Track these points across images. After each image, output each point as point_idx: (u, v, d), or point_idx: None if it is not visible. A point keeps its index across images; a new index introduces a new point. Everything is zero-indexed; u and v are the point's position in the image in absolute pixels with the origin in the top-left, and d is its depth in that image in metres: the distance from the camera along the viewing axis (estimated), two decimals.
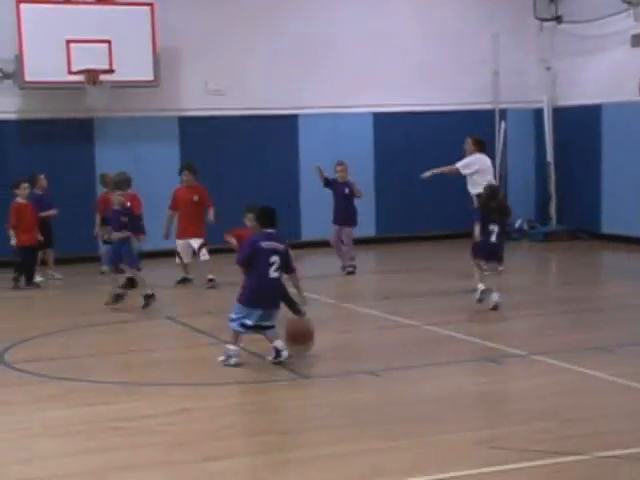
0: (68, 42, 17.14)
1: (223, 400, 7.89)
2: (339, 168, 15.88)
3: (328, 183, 15.81)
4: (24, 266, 14.66)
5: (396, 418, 7.21)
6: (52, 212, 15.69)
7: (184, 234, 14.74)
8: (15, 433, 7.13)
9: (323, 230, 18.53)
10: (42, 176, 15.97)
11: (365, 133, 19.53)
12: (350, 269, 15.44)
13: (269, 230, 9.28)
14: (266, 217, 9.37)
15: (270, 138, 18.90)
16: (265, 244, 9.13)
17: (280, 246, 9.24)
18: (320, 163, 15.83)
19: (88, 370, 9.08)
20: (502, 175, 19.66)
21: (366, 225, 18.81)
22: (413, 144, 18.86)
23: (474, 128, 19.28)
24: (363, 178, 18.62)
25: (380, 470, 6.13)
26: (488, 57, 20.01)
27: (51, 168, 16.91)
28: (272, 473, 6.17)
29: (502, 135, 19.95)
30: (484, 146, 15.46)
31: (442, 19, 19.90)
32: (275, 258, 9.13)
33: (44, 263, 15.69)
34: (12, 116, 17.61)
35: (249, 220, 9.92)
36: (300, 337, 9.26)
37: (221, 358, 9.07)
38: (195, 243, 14.57)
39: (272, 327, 9.18)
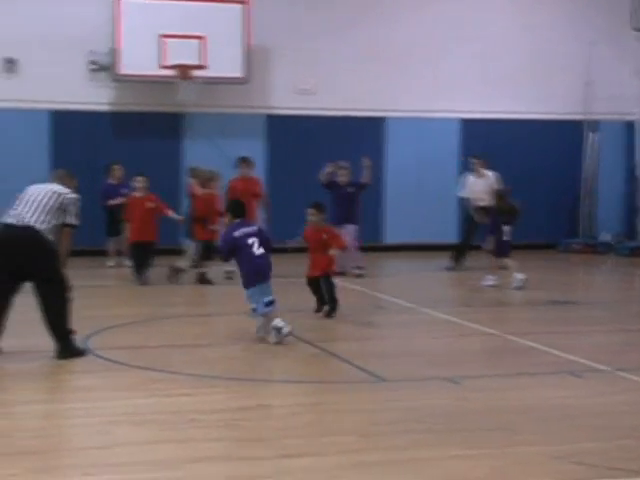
0: (162, 37, 17.33)
1: (301, 398, 7.86)
2: (343, 172, 15.48)
3: (330, 184, 15.45)
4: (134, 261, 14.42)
5: (474, 426, 7.10)
6: (117, 201, 15.65)
7: None
8: (95, 419, 7.19)
9: (406, 234, 18.52)
10: (117, 166, 16.14)
11: (451, 139, 19.37)
12: (357, 272, 15.25)
13: (238, 220, 10.17)
14: (235, 209, 10.35)
15: (356, 140, 18.86)
16: (236, 233, 10.01)
17: (250, 229, 10.14)
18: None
19: (168, 361, 9.13)
20: (591, 188, 19.37)
21: (448, 231, 18.67)
22: (499, 152, 18.65)
23: (562, 138, 19.09)
24: (446, 183, 18.52)
25: (456, 478, 6.04)
26: (581, 66, 19.67)
27: (140, 160, 17.12)
28: (348, 474, 6.12)
29: (592, 147, 19.61)
30: None
31: (536, 26, 19.68)
32: (252, 239, 9.96)
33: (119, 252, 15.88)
34: (105, 108, 17.89)
35: (312, 215, 11.39)
36: None
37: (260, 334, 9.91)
38: None
39: (273, 302, 9.93)
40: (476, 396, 8.00)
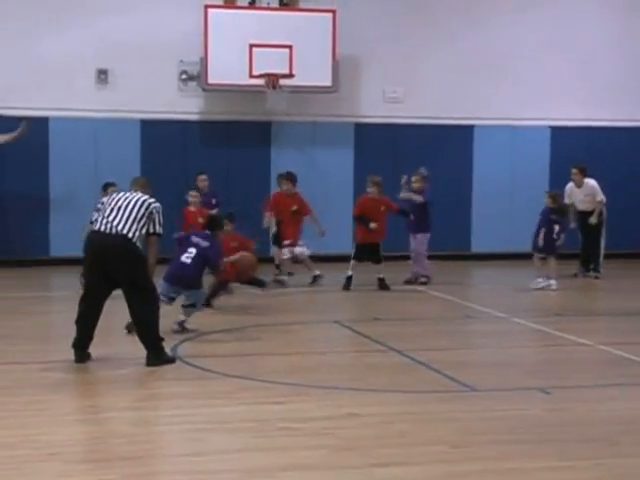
0: (251, 46, 17.48)
1: (391, 407, 7.84)
2: (414, 178, 15.53)
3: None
4: None
5: (568, 437, 7.00)
6: (213, 212, 15.58)
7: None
8: (187, 426, 7.26)
9: (494, 243, 18.36)
10: (202, 177, 16.22)
11: (542, 147, 19.15)
12: (423, 279, 15.36)
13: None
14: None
15: (445, 148, 18.79)
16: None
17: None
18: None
19: (258, 369, 9.18)
20: None
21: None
22: (593, 161, 18.39)
23: None
24: (536, 193, 18.28)
25: None
26: None
27: (229, 168, 17.30)
28: None
29: None
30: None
31: (633, 32, 19.31)
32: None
33: None
34: (195, 117, 18.10)
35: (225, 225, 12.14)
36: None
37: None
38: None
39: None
40: (569, 406, 7.89)
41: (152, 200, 9.42)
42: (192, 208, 15.06)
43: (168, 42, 17.76)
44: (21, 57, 17.47)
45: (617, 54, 19.32)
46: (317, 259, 15.83)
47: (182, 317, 10.96)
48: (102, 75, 17.88)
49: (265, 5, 18.09)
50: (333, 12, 17.73)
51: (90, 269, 9.31)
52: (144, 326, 9.21)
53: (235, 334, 11.04)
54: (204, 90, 17.84)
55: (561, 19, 19.09)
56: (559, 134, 19.12)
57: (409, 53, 18.62)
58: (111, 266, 9.11)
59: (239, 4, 18.12)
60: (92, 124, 17.65)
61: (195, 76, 17.97)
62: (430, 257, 16.35)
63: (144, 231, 9.26)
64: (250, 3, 18.10)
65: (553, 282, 15.06)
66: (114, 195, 9.57)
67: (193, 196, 15.13)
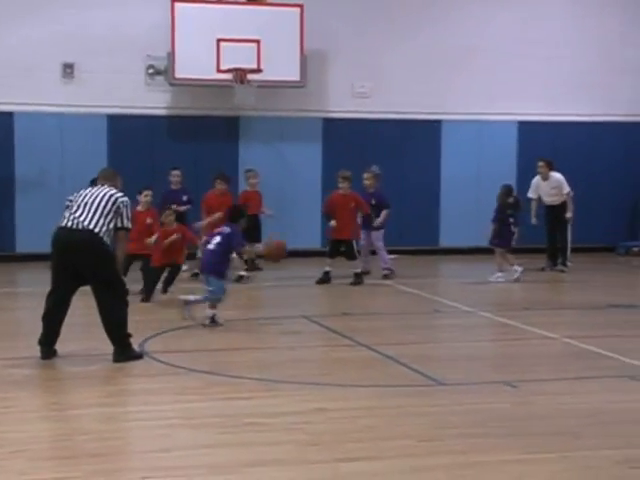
0: (218, 41, 17.44)
1: (358, 402, 7.85)
2: (366, 175, 15.62)
3: None
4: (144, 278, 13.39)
5: (533, 431, 7.05)
6: (183, 208, 15.58)
7: None
8: (154, 422, 7.24)
9: (462, 238, 18.45)
10: (176, 172, 16.08)
11: (509, 142, 19.24)
12: (386, 272, 15.45)
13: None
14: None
15: (412, 143, 18.84)
16: None
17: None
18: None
19: (226, 365, 9.17)
20: None
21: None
22: (560, 156, 18.51)
23: (627, 140, 18.87)
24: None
25: None
26: None
27: (197, 163, 17.25)
28: (406, 478, 6.11)
29: None
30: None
31: (599, 24, 19.40)
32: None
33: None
34: (162, 112, 18.02)
35: None
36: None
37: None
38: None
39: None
40: (536, 400, 7.95)
41: (119, 194, 9.34)
42: (141, 208, 13.58)
43: (136, 36, 17.71)
44: None
45: (582, 50, 19.43)
46: (291, 254, 15.84)
47: (211, 311, 11.10)
48: (68, 69, 17.78)
49: (232, 0, 18.03)
50: (301, 7, 17.72)
51: (57, 265, 9.26)
52: (112, 322, 9.17)
53: (203, 329, 11.01)
54: (171, 85, 17.79)
55: (528, 14, 19.19)
56: (526, 129, 19.23)
57: (377, 47, 18.66)
58: (78, 262, 9.07)
59: None
60: (58, 119, 17.54)
61: (162, 70, 17.90)
62: (398, 252, 16.39)
63: (112, 226, 9.21)
64: None
65: (518, 268, 15.19)
66: (81, 191, 9.51)
67: (146, 195, 13.67)
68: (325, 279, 14.81)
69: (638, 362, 9.40)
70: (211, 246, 11.24)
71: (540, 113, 19.12)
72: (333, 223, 14.87)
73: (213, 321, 11.09)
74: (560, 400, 7.98)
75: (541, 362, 9.59)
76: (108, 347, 9.19)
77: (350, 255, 14.87)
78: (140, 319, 10.68)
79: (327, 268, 14.88)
